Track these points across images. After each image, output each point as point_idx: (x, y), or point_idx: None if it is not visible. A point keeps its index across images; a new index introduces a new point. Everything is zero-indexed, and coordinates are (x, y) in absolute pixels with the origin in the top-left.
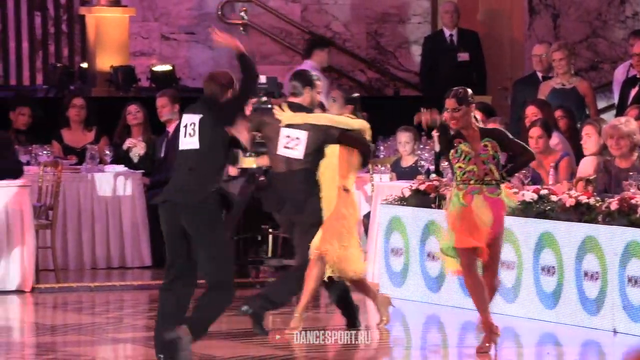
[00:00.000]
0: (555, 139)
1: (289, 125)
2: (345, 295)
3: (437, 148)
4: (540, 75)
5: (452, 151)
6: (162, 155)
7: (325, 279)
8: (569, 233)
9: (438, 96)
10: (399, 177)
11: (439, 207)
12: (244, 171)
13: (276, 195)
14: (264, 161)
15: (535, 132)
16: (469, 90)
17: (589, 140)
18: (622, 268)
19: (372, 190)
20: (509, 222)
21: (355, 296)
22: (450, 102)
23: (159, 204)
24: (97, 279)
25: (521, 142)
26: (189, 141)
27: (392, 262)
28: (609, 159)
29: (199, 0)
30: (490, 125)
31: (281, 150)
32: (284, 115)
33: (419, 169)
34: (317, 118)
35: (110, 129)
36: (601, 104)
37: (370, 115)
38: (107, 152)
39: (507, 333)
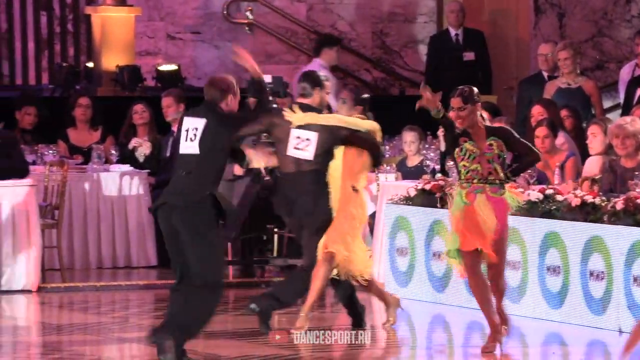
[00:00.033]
0: (561, 139)
1: (299, 127)
2: (351, 295)
3: (443, 147)
4: (545, 74)
5: (457, 149)
6: (168, 154)
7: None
8: (575, 233)
9: (444, 95)
10: (405, 177)
11: (444, 206)
12: (249, 170)
13: (286, 200)
14: (272, 161)
15: (541, 131)
16: (475, 89)
17: (595, 139)
18: (627, 268)
19: (377, 190)
20: (515, 221)
21: (361, 296)
22: (455, 101)
23: (158, 206)
24: (103, 279)
25: (527, 142)
26: (189, 145)
27: (398, 261)
28: (615, 158)
29: (205, 0)
30: (496, 125)
31: (291, 151)
32: (295, 116)
33: (425, 168)
34: (327, 119)
35: (116, 129)
36: (607, 104)
37: (376, 114)
38: (113, 151)
39: (512, 333)
